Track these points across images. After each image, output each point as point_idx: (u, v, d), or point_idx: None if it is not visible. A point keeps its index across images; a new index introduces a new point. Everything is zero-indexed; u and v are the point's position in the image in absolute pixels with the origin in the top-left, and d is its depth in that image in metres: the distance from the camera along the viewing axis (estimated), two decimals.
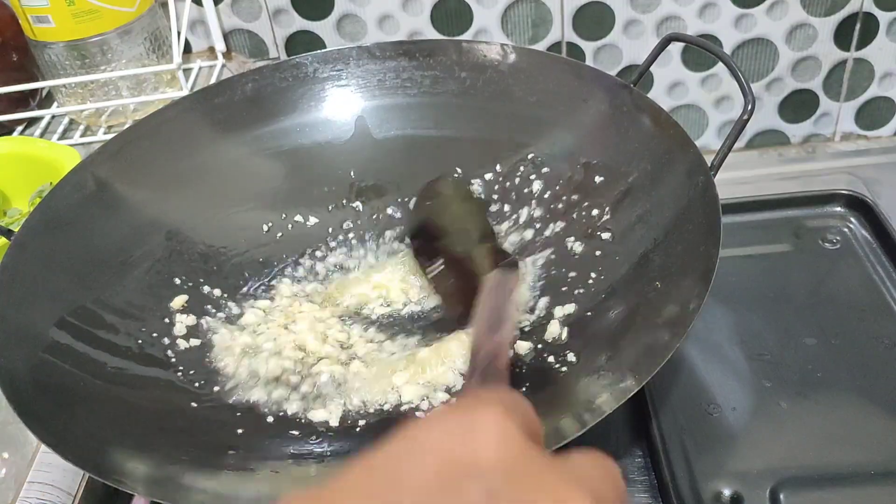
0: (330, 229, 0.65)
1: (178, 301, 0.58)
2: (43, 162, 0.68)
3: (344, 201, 0.66)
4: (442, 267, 0.58)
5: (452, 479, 0.23)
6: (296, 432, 0.50)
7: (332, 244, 0.64)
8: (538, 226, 0.62)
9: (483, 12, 0.80)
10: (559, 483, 0.23)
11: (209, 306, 0.59)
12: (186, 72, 0.80)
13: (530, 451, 0.24)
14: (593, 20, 0.80)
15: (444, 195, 0.61)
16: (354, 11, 0.81)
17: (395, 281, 0.61)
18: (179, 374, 0.53)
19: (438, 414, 0.25)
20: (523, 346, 0.54)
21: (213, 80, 0.80)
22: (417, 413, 0.51)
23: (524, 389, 0.51)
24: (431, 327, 0.57)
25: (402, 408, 0.52)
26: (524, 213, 0.63)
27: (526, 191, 0.64)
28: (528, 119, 0.65)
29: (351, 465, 0.24)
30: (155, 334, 0.55)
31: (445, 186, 0.62)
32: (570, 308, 0.56)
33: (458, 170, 0.66)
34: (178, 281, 0.59)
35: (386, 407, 0.52)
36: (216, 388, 0.53)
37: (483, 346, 0.38)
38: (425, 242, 0.60)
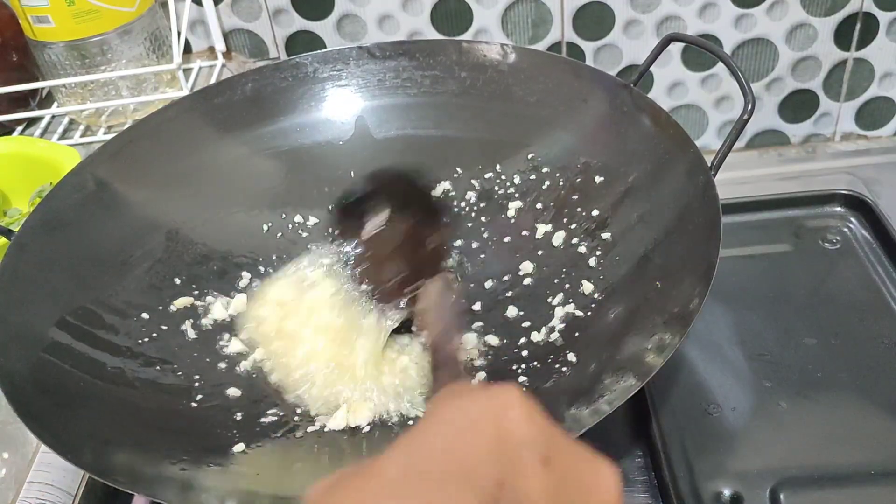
0: (330, 229, 0.65)
1: (182, 302, 0.58)
2: (43, 162, 0.68)
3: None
4: (383, 227, 0.53)
5: (508, 449, 0.25)
6: (298, 434, 0.50)
7: (333, 244, 0.64)
8: (538, 226, 0.62)
9: (483, 12, 0.80)
10: (590, 455, 0.27)
11: (210, 306, 0.59)
12: (186, 72, 0.80)
13: (554, 427, 0.27)
14: (593, 20, 0.80)
15: (403, 187, 0.56)
16: (354, 11, 0.81)
17: None
18: (180, 374, 0.53)
19: (460, 396, 0.27)
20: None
21: (213, 80, 0.80)
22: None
23: (524, 388, 0.51)
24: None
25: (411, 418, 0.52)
26: (524, 213, 0.63)
27: (526, 190, 0.64)
28: (528, 119, 0.65)
29: (395, 448, 0.25)
30: (155, 334, 0.55)
31: (406, 179, 0.56)
32: (570, 308, 0.56)
33: (458, 170, 0.66)
34: (178, 281, 0.59)
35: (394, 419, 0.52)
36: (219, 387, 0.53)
37: (443, 346, 0.41)
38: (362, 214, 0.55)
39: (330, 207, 0.58)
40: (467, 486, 0.24)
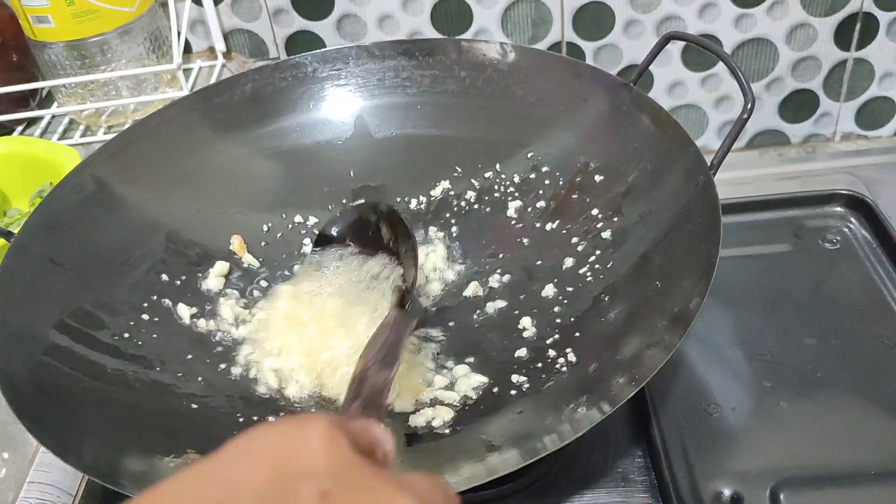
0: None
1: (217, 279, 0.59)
2: (43, 162, 0.68)
3: (344, 201, 0.66)
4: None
5: (286, 482, 0.23)
6: None
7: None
8: (538, 225, 0.62)
9: (483, 12, 0.80)
10: (386, 487, 0.25)
11: (209, 305, 0.59)
12: (186, 72, 0.80)
13: (357, 458, 0.25)
14: (593, 20, 0.80)
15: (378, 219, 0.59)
16: (354, 11, 0.81)
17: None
18: (180, 375, 0.53)
19: (269, 424, 0.26)
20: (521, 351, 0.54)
21: (213, 80, 0.80)
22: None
23: (525, 388, 0.51)
24: None
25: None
26: (524, 213, 0.63)
27: (526, 190, 0.64)
28: (528, 119, 0.65)
29: (180, 473, 0.24)
30: (155, 336, 0.55)
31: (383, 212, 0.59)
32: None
33: (459, 169, 0.66)
34: (178, 282, 0.59)
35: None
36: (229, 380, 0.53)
37: (371, 377, 0.40)
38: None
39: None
40: None
